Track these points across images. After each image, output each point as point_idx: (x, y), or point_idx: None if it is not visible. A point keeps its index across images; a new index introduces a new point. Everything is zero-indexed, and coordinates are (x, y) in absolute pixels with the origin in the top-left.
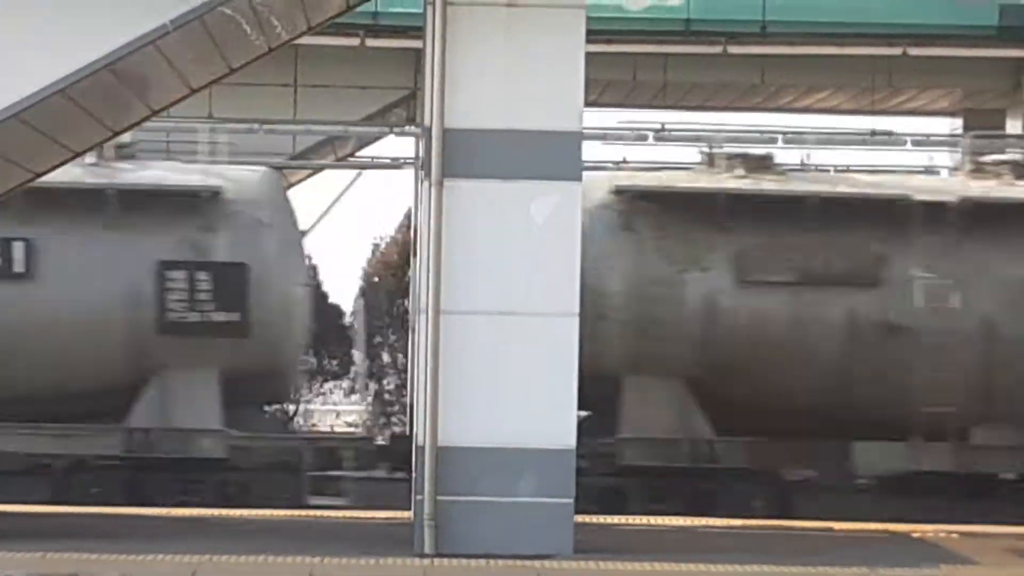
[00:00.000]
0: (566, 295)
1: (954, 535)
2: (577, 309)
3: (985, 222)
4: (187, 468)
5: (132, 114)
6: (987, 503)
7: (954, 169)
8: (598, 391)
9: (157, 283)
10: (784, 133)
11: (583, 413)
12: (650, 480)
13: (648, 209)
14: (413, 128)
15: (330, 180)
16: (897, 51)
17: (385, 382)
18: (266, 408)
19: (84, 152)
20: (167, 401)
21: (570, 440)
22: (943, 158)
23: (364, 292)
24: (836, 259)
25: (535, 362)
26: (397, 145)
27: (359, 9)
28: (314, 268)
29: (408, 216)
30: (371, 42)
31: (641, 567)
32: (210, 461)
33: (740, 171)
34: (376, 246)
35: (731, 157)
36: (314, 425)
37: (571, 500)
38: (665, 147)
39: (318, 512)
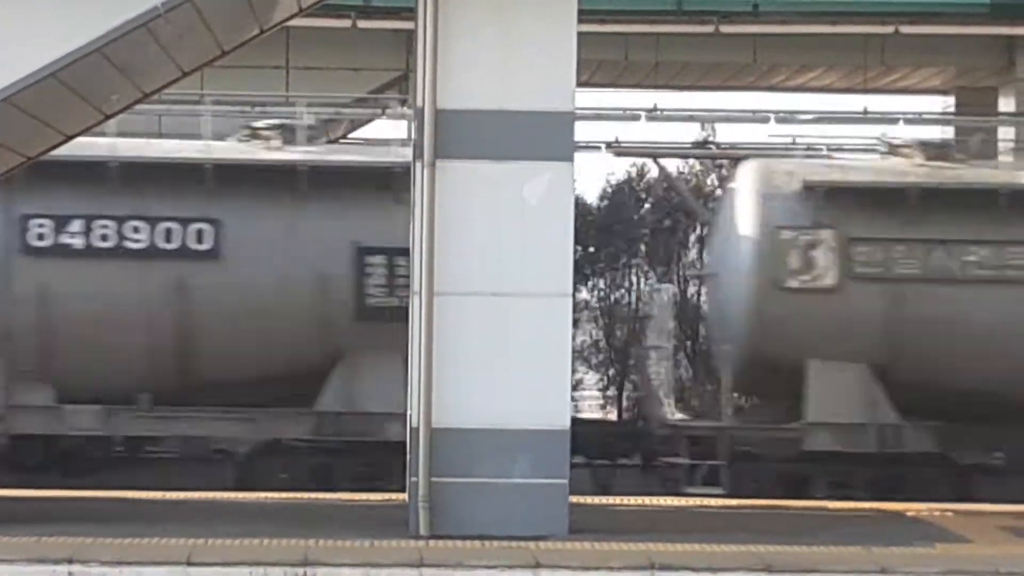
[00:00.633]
0: (560, 276)
1: (948, 513)
2: (571, 290)
3: None
4: (372, 451)
5: (124, 97)
6: None
7: None
8: (780, 377)
9: (355, 267)
10: (777, 112)
11: (754, 399)
12: (834, 466)
13: (839, 203)
14: (406, 109)
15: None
16: (889, 29)
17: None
18: None
19: (76, 136)
20: (357, 385)
21: (564, 420)
22: None
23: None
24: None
25: (529, 343)
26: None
27: None
28: None
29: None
30: (363, 23)
31: (636, 547)
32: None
33: (918, 160)
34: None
35: (910, 145)
36: None
37: (566, 481)
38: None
39: (313, 494)
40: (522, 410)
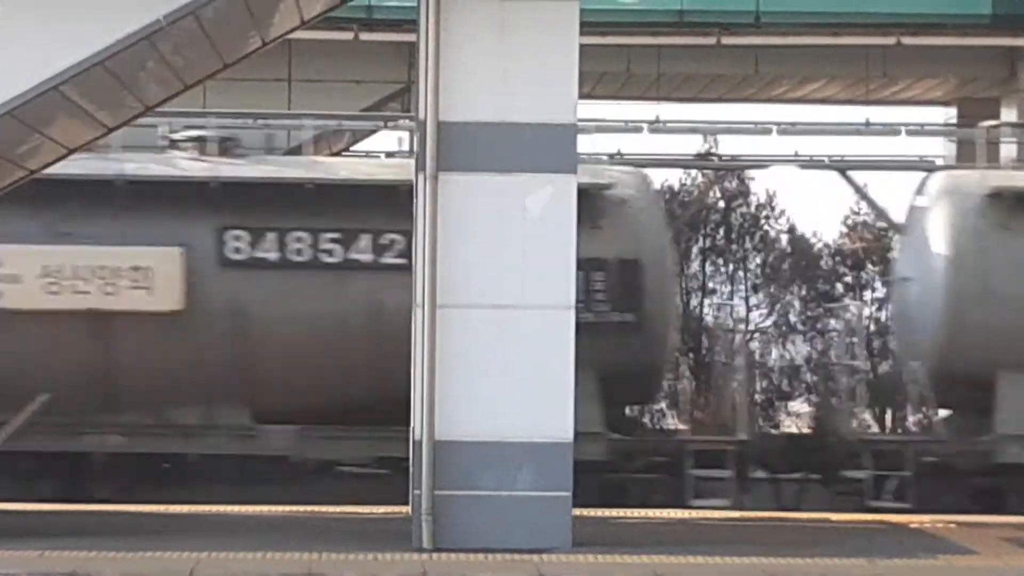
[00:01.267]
0: (562, 288)
1: (952, 525)
2: (573, 302)
3: None
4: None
5: (126, 110)
6: None
7: None
8: (970, 389)
9: None
10: (779, 124)
11: (944, 412)
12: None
13: None
14: (408, 122)
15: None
16: (891, 41)
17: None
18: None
19: (77, 149)
20: None
21: (567, 433)
22: None
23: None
24: None
25: (532, 355)
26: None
27: (353, 3)
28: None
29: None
30: (365, 36)
31: (639, 560)
32: (592, 464)
33: None
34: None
35: None
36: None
37: (569, 493)
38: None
39: (316, 507)
40: (525, 422)
